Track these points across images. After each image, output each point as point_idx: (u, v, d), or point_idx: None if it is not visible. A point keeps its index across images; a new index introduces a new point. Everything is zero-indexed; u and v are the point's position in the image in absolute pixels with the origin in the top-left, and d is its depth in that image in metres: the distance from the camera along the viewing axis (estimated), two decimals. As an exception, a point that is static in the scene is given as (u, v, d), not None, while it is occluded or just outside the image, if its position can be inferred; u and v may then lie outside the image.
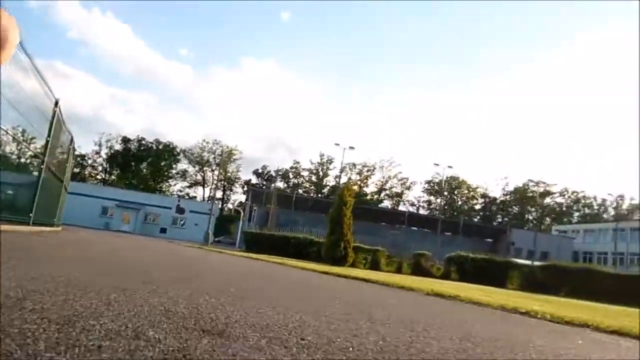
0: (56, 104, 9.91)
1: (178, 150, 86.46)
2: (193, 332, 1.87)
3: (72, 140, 13.80)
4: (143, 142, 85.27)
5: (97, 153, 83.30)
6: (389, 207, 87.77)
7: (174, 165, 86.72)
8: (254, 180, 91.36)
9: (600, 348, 3.49)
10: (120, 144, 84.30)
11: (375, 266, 20.69)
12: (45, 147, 9.64)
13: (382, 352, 2.06)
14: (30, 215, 9.48)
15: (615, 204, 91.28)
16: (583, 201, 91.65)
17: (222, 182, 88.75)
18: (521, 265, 19.79)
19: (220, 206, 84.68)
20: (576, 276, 16.60)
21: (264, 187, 78.96)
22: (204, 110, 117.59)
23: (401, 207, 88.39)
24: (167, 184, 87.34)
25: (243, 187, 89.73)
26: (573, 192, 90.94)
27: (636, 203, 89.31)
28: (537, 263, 19.84)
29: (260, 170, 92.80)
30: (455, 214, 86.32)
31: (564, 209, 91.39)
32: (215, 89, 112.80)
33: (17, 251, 4.78)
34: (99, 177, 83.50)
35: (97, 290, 2.66)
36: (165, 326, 1.93)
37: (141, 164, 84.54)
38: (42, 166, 9.76)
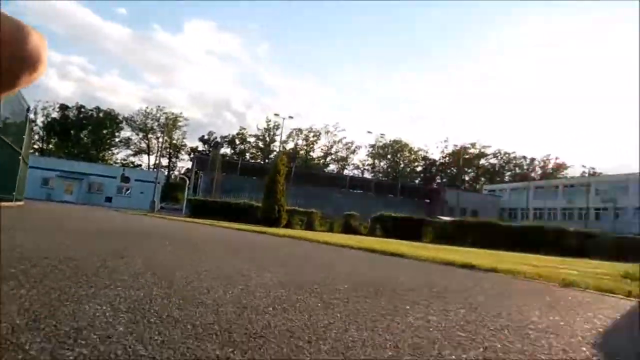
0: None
1: (120, 117, 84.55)
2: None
3: (28, 109, 13.33)
4: (83, 109, 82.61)
5: (33, 121, 80.00)
6: (335, 171, 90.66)
7: (116, 133, 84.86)
8: (201, 147, 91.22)
9: (441, 275, 5.48)
10: (58, 111, 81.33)
11: (310, 227, 22.88)
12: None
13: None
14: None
15: (542, 164, 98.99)
16: (514, 161, 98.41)
17: (168, 150, 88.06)
18: (435, 221, 22.64)
19: (166, 174, 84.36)
20: (477, 229, 19.53)
21: (210, 154, 79.26)
22: (146, 75, 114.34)
23: (347, 171, 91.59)
24: (110, 152, 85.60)
25: (189, 154, 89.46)
26: (505, 154, 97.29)
27: (560, 162, 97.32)
28: (447, 219, 22.72)
29: (206, 137, 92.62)
30: (398, 176, 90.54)
31: (497, 169, 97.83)
32: (156, 52, 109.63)
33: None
34: (35, 146, 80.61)
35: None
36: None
37: (81, 133, 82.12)
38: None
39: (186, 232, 9.39)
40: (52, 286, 2.03)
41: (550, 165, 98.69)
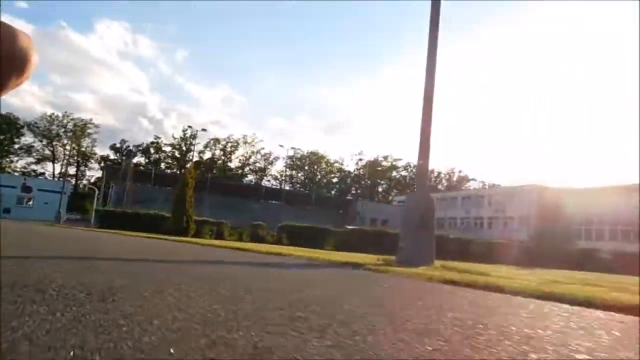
0: None
1: (21, 122, 78.91)
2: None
3: None
4: (-23, 113, 76.18)
5: None
6: (253, 181, 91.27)
7: (16, 140, 79.04)
8: (112, 155, 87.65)
9: (321, 273, 6.92)
10: (-53, 114, 74.29)
11: (219, 236, 23.78)
12: None
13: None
14: None
15: (447, 176, 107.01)
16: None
17: (76, 158, 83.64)
18: (336, 231, 24.60)
19: (73, 183, 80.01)
20: (372, 236, 21.70)
21: (122, 163, 76.52)
22: (52, 76, 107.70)
23: (265, 182, 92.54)
24: (8, 159, 79.47)
25: (99, 163, 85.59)
26: (414, 166, 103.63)
27: (463, 175, 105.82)
28: (351, 227, 24.94)
29: (118, 145, 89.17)
30: (314, 187, 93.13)
31: (408, 181, 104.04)
32: (64, 51, 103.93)
33: None
34: None
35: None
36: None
37: (-25, 138, 75.71)
38: None
39: (65, 234, 10.16)
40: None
41: (455, 178, 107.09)
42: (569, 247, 27.79)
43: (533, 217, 47.90)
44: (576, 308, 2.96)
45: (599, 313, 2.79)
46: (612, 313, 2.78)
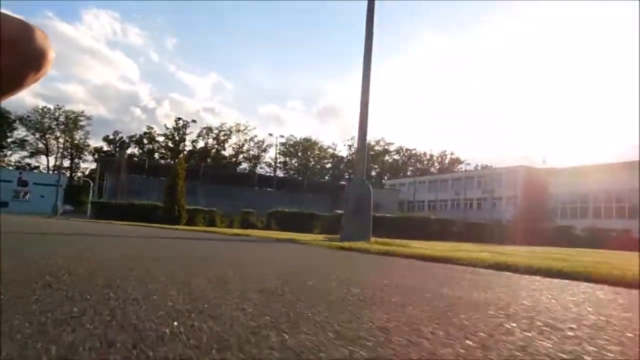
0: None
1: (13, 116, 79.09)
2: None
3: None
4: (-32, 108, 76.36)
5: None
6: (247, 169, 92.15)
7: (9, 134, 79.33)
8: (106, 147, 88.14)
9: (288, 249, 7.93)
10: (-62, 110, 74.42)
11: (212, 224, 24.82)
12: None
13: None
14: None
15: (439, 159, 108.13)
16: (415, 157, 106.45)
17: (70, 151, 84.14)
18: (323, 215, 25.65)
19: (68, 175, 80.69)
20: (357, 220, 22.78)
21: (116, 155, 77.10)
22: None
23: (259, 169, 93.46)
24: (2, 153, 79.85)
25: (93, 155, 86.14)
26: (407, 150, 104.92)
27: (455, 157, 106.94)
28: (338, 212, 26.07)
29: (111, 137, 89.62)
30: (308, 173, 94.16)
31: (400, 164, 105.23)
32: (52, 42, 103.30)
33: None
34: None
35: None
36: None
37: (-33, 133, 75.97)
38: None
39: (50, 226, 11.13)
40: None
41: (447, 160, 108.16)
42: (547, 225, 29.03)
43: (519, 197, 49.15)
44: (445, 265, 3.98)
45: (458, 268, 3.80)
46: (467, 268, 3.79)
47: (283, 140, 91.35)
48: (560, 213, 45.35)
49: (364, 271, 3.18)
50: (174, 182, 20.74)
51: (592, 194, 43.55)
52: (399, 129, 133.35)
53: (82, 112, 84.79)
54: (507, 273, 3.54)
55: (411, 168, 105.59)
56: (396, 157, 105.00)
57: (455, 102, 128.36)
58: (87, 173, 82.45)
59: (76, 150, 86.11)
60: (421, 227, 23.40)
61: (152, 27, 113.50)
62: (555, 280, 3.14)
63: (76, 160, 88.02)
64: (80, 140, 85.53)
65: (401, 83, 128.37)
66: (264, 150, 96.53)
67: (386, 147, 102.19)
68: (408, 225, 22.24)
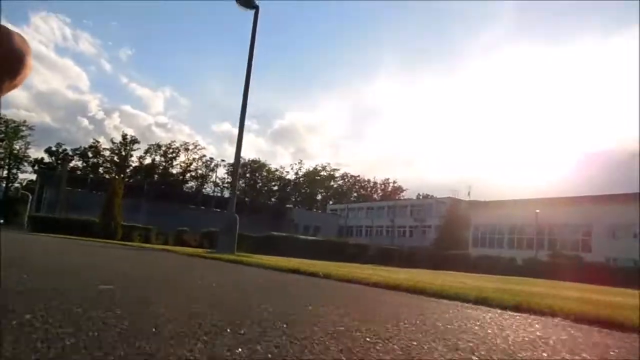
0: None
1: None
2: None
3: None
4: None
5: None
6: (194, 187, 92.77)
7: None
8: (47, 159, 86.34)
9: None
10: None
11: (147, 240, 26.52)
12: None
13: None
14: None
15: (382, 186, 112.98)
16: (359, 184, 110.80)
17: (8, 161, 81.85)
18: (252, 236, 27.99)
19: (5, 186, 78.39)
20: (284, 241, 25.32)
21: (58, 167, 75.85)
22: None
23: (207, 188, 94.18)
24: None
25: (33, 166, 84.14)
26: (351, 177, 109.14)
27: (397, 185, 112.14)
28: (272, 233, 28.68)
29: (54, 149, 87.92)
30: (255, 194, 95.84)
31: (344, 190, 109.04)
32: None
33: None
34: None
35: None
36: None
37: None
38: None
39: None
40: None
41: (389, 188, 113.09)
42: (458, 252, 32.65)
43: (442, 226, 53.39)
44: (259, 269, 6.52)
45: (290, 276, 6.34)
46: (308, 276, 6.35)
47: (231, 161, 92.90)
48: (479, 242, 49.72)
49: (194, 270, 5.67)
50: (111, 199, 22.51)
51: (503, 226, 48.29)
52: (345, 156, 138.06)
53: (24, 121, 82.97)
54: (315, 279, 6.12)
55: (355, 194, 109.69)
56: (341, 182, 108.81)
57: (399, 133, 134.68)
58: (24, 184, 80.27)
59: (14, 161, 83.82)
60: (341, 250, 26.22)
61: (106, 36, 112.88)
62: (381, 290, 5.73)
63: (13, 171, 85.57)
64: (20, 151, 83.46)
65: (348, 104, 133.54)
66: (212, 170, 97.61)
67: (332, 172, 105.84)
68: (324, 248, 24.95)
